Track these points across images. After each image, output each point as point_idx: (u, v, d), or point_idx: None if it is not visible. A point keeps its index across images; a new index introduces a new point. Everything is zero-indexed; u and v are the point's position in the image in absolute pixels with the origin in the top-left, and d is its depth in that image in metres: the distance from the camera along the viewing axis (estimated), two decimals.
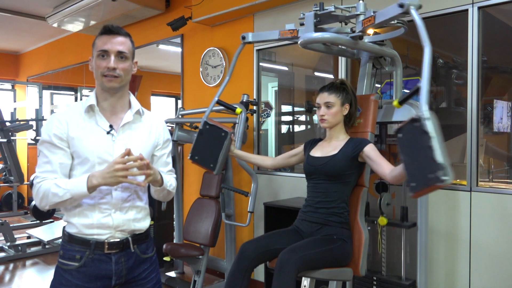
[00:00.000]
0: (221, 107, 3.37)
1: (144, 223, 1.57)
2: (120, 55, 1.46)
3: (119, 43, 1.46)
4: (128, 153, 1.39)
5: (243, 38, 2.30)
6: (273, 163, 2.47)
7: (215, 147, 2.29)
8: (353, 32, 2.03)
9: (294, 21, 2.30)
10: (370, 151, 2.05)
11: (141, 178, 1.45)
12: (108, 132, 1.48)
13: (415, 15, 1.65)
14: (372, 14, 1.91)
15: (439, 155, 1.38)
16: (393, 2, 2.75)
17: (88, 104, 1.49)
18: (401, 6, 1.69)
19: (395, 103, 1.73)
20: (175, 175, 1.70)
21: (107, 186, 1.42)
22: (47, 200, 1.41)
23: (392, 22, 2.03)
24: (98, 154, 1.45)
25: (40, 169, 1.45)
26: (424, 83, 1.53)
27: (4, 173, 5.65)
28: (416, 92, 1.59)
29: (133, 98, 1.58)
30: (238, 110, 2.51)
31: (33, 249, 4.76)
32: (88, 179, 1.39)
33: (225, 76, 3.74)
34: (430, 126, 1.41)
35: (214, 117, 3.69)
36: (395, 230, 2.59)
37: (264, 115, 3.78)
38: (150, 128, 1.59)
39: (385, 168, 1.95)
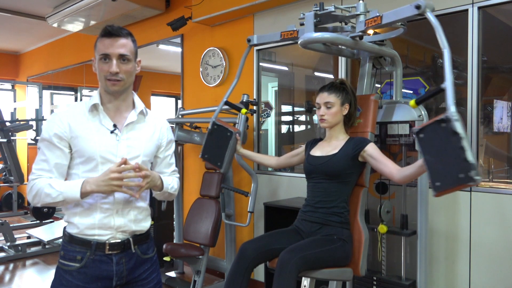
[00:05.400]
0: (227, 107, 3.40)
1: (145, 224, 1.57)
2: (122, 58, 1.45)
3: (121, 45, 1.44)
4: (125, 162, 1.40)
5: (249, 40, 2.35)
6: (277, 163, 2.53)
7: (222, 146, 2.46)
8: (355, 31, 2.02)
9: (295, 21, 2.30)
10: (373, 150, 2.05)
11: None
12: (112, 132, 1.48)
13: (431, 18, 1.67)
14: (377, 14, 1.90)
15: (470, 156, 1.43)
16: (392, 2, 2.75)
17: (92, 103, 1.48)
18: (417, 7, 1.70)
19: (411, 103, 1.73)
20: (178, 175, 1.71)
21: (101, 193, 1.41)
22: (39, 198, 1.42)
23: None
24: (101, 153, 1.45)
25: (37, 166, 1.45)
26: (449, 85, 1.55)
27: (4, 173, 5.65)
28: (437, 93, 1.63)
29: (137, 98, 1.58)
30: (243, 110, 2.63)
31: (33, 249, 4.75)
32: (83, 184, 1.39)
33: (222, 78, 3.74)
34: (460, 127, 1.45)
35: (217, 117, 3.69)
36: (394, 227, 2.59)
37: (264, 115, 3.78)
38: (154, 129, 1.59)
39: (392, 168, 1.96)
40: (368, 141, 2.10)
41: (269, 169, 3.64)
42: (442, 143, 1.50)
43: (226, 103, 2.57)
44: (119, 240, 1.49)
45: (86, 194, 1.40)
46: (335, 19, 2.10)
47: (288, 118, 4.23)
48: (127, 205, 1.50)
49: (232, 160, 2.59)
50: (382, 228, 2.39)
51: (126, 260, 1.50)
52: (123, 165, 1.39)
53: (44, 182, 1.41)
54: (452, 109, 1.49)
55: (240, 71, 2.48)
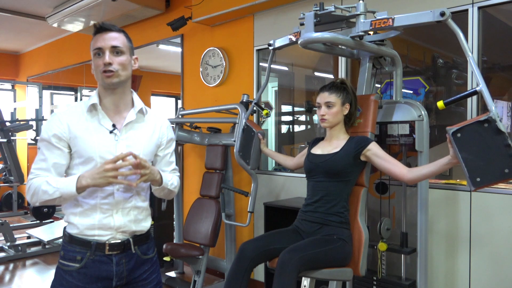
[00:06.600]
0: (221, 107, 3.42)
1: (145, 224, 1.57)
2: (114, 50, 1.46)
3: (112, 38, 1.46)
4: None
5: (270, 45, 2.51)
6: (292, 164, 2.57)
7: (249, 144, 2.70)
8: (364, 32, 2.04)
9: (295, 21, 2.31)
10: (378, 149, 2.06)
11: (133, 178, 1.44)
12: (111, 132, 1.48)
13: (453, 25, 1.74)
14: (386, 16, 1.92)
15: None
16: (391, 3, 2.74)
17: (91, 103, 1.48)
18: (442, 14, 1.75)
19: (440, 103, 1.77)
20: (178, 174, 1.70)
21: (97, 187, 1.41)
22: (37, 196, 1.42)
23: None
24: (101, 153, 1.45)
25: (35, 165, 1.46)
26: (484, 88, 1.65)
27: (4, 173, 5.66)
28: (469, 95, 1.75)
29: (136, 97, 1.58)
30: (265, 111, 2.84)
31: (33, 249, 4.76)
32: (78, 179, 1.39)
33: (222, 78, 3.73)
34: (503, 126, 1.57)
35: (215, 117, 3.70)
36: (395, 229, 2.59)
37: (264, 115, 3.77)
38: (153, 128, 1.59)
39: (401, 167, 1.98)
40: (370, 140, 2.11)
41: (269, 169, 3.64)
42: (485, 142, 1.61)
43: (256, 104, 2.81)
44: (119, 241, 1.48)
45: (82, 188, 1.39)
46: (335, 19, 2.10)
47: (288, 118, 4.23)
48: (127, 205, 1.50)
49: (260, 157, 2.76)
50: (382, 246, 2.39)
51: (126, 260, 1.50)
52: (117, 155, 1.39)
53: (41, 180, 1.41)
54: (494, 110, 1.59)
55: (268, 74, 2.61)
